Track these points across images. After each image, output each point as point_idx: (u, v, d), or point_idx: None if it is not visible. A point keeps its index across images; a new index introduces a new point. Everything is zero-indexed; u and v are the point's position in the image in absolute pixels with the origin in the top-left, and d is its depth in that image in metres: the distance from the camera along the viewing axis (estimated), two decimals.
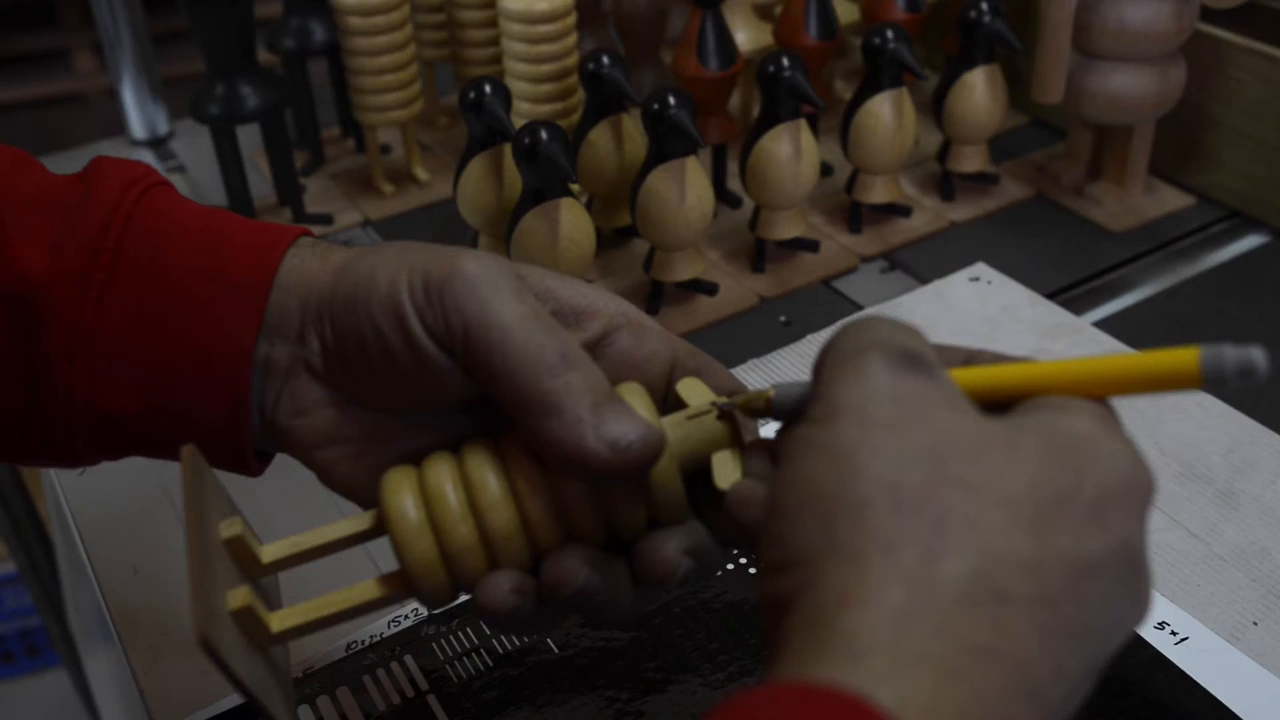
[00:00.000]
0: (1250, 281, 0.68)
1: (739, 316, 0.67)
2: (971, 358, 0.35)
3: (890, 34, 0.67)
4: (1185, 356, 0.31)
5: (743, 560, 0.50)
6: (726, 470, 0.36)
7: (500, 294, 0.35)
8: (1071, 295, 0.68)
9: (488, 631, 0.48)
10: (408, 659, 0.47)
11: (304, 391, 0.39)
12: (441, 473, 0.37)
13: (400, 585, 0.38)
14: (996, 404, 0.32)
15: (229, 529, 0.37)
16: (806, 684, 0.27)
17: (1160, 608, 0.48)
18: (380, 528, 0.38)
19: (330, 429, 0.39)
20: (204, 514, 0.36)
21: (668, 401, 0.38)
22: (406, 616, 0.49)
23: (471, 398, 0.38)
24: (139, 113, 0.87)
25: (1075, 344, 0.62)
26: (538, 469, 0.36)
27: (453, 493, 0.36)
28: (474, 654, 0.47)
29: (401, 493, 0.37)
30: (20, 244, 0.37)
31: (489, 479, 0.36)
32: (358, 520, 0.38)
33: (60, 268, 0.37)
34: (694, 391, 0.38)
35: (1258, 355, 0.30)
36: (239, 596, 0.35)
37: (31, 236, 0.38)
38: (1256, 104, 0.70)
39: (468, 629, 0.48)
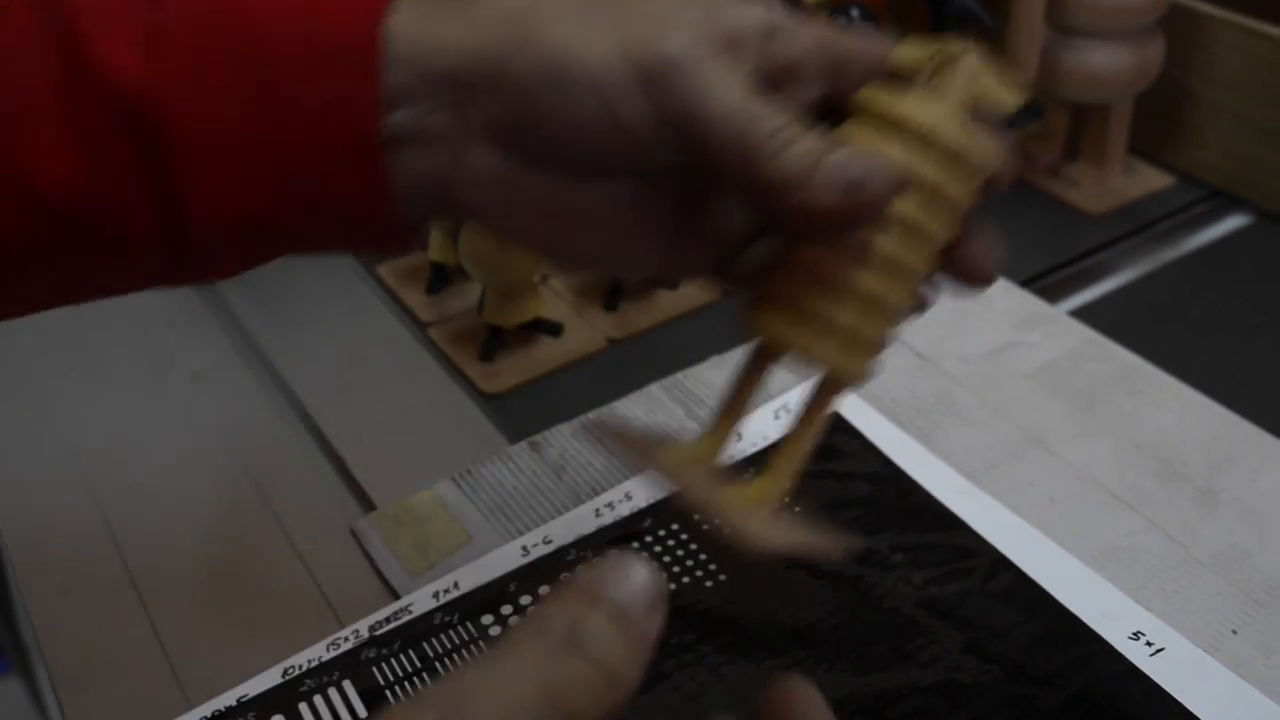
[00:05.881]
0: (1233, 264, 0.66)
1: (700, 311, 0.64)
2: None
3: (855, 12, 0.65)
4: None
5: (699, 574, 0.48)
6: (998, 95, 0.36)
7: (720, 81, 0.33)
8: (1047, 282, 0.65)
9: (431, 654, 0.46)
10: (346, 684, 0.45)
11: (477, 160, 0.36)
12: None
13: (828, 391, 0.37)
14: None
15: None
16: None
17: (1136, 617, 0.45)
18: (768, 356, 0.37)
19: (516, 195, 0.36)
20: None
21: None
22: (346, 639, 0.47)
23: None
24: None
25: (1050, 334, 0.59)
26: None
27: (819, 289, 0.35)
28: (416, 678, 0.45)
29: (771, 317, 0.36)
30: (109, 48, 0.34)
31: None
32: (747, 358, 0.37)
33: (158, 74, 0.34)
34: (910, 54, 0.36)
35: None
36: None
37: (115, 36, 0.34)
38: (1238, 79, 0.68)
39: (409, 651, 0.46)
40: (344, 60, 0.34)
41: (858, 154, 0.33)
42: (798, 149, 0.33)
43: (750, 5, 0.36)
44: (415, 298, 0.66)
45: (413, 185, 0.36)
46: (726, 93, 0.33)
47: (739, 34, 0.35)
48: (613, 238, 0.38)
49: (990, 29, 0.67)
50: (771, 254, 0.37)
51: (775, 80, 0.35)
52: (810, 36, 0.36)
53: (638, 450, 0.37)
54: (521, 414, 0.58)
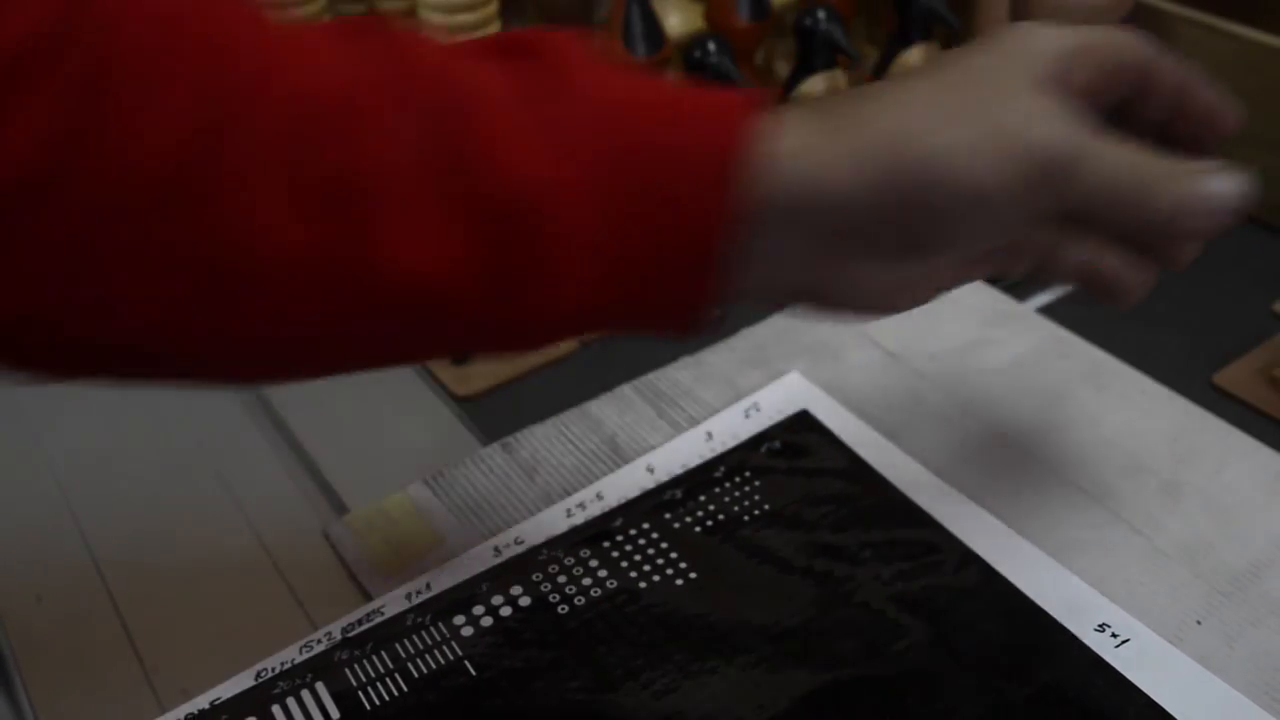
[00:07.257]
0: (1202, 260, 0.66)
1: None
2: None
3: (822, 15, 0.65)
4: None
5: (669, 572, 0.48)
6: None
7: (1106, 153, 0.36)
8: (1015, 280, 0.66)
9: (403, 655, 0.46)
10: (319, 686, 0.45)
11: (846, 269, 0.38)
12: None
13: None
14: None
15: None
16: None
17: (1101, 609, 0.46)
18: None
19: (865, 284, 0.38)
20: None
21: None
22: (319, 641, 0.47)
23: None
24: None
25: (1017, 331, 0.60)
26: None
27: None
28: (388, 679, 0.45)
29: None
30: (499, 142, 0.34)
31: None
32: None
33: (549, 173, 0.34)
34: None
35: None
36: None
37: (509, 132, 0.34)
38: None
39: (382, 652, 0.46)
40: (706, 180, 0.34)
41: (1223, 173, 0.37)
42: (1184, 183, 0.37)
43: (1061, 40, 0.37)
44: None
45: (758, 287, 0.37)
46: (1115, 157, 0.36)
47: (1084, 84, 0.37)
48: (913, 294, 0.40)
49: (955, 29, 0.68)
50: None
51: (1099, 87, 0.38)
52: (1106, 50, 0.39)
53: None
54: (494, 416, 0.58)
